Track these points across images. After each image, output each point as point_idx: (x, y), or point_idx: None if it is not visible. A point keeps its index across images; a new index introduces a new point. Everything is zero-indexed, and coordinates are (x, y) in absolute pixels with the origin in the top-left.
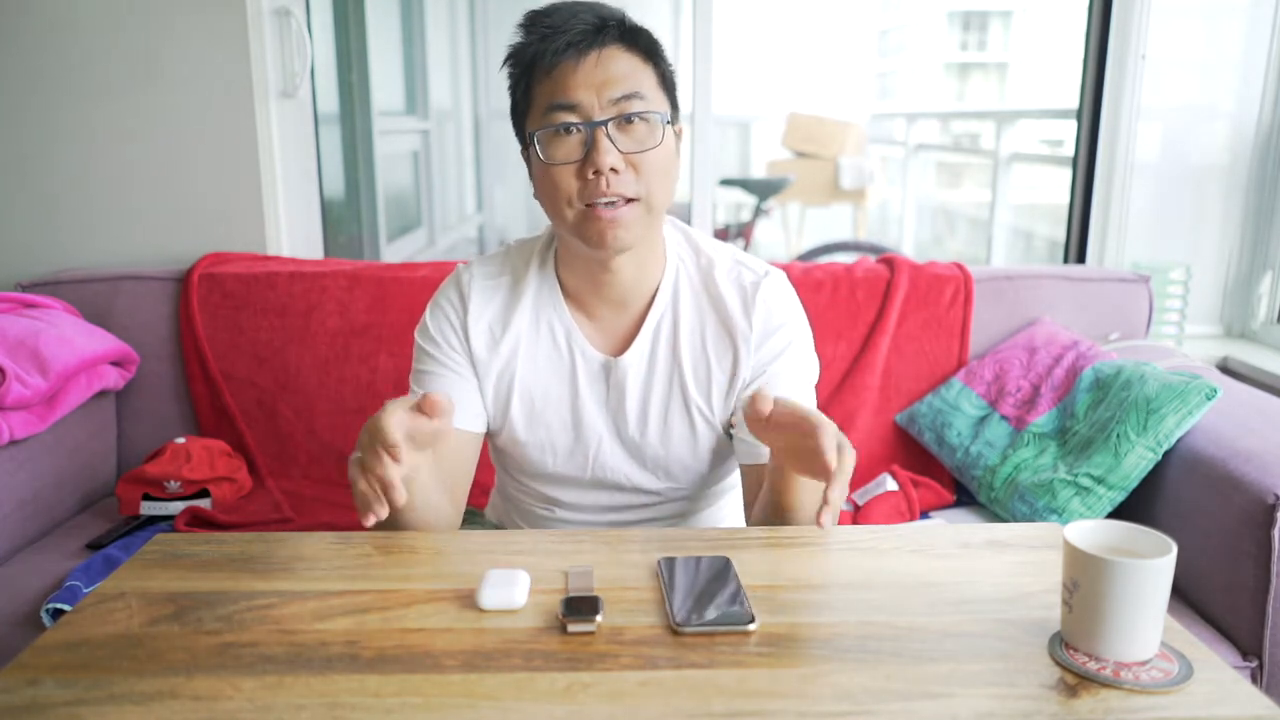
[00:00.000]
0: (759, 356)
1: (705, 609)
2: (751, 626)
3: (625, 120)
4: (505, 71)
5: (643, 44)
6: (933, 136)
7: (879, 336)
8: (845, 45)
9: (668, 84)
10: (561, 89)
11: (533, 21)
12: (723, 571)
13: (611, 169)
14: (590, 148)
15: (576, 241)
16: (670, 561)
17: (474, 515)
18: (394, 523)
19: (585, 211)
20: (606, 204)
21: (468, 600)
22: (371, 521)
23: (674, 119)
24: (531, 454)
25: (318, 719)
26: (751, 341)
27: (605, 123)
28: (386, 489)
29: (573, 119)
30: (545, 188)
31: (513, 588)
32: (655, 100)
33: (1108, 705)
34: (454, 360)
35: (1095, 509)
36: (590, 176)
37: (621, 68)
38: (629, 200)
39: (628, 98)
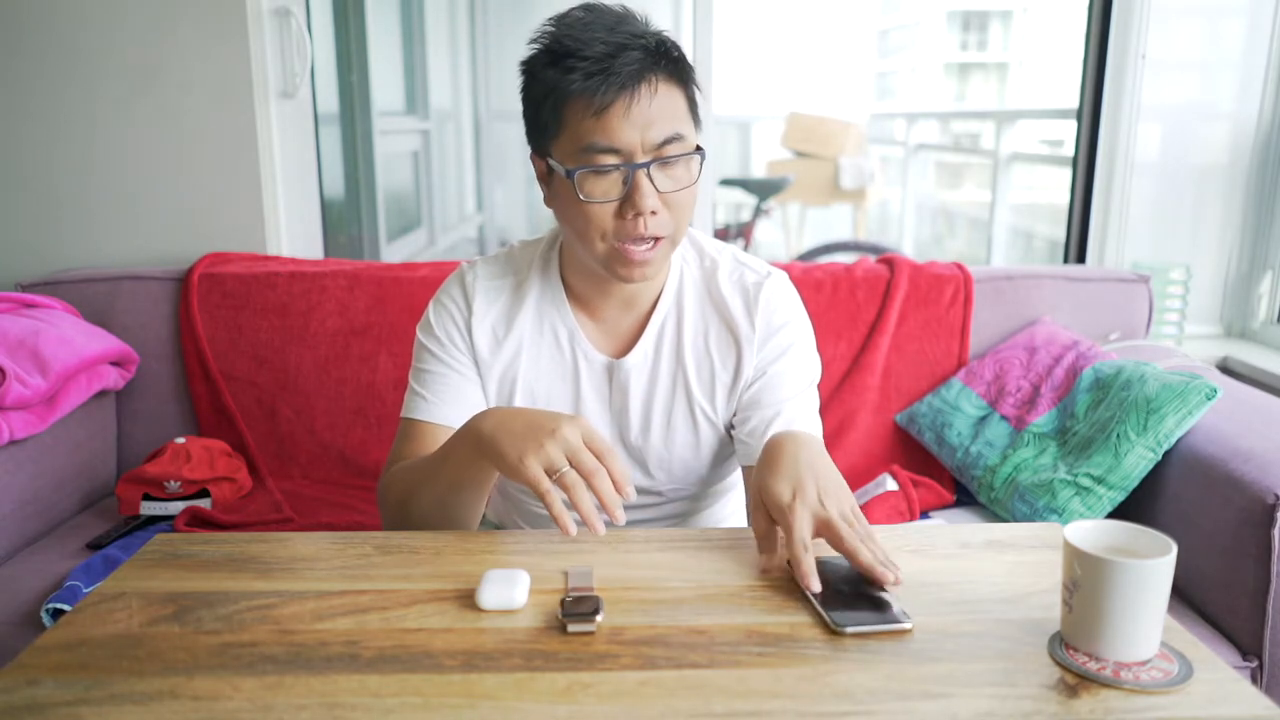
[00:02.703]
0: (761, 357)
1: (859, 610)
2: (908, 625)
3: (665, 161)
4: (518, 78)
5: (682, 68)
6: (933, 136)
7: (879, 336)
8: (845, 45)
9: (695, 106)
10: (605, 132)
11: (567, 50)
12: (854, 572)
13: (651, 211)
14: (630, 189)
15: (598, 267)
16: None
17: None
18: (427, 522)
19: (617, 248)
20: (639, 243)
21: (468, 600)
22: (574, 531)
23: (698, 128)
24: None
25: (318, 719)
26: (754, 342)
27: (648, 165)
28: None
29: (614, 161)
30: (576, 220)
31: (513, 588)
32: (691, 134)
33: (1108, 705)
34: (457, 359)
35: (1095, 509)
36: (629, 217)
37: (665, 106)
38: (658, 239)
39: (669, 141)
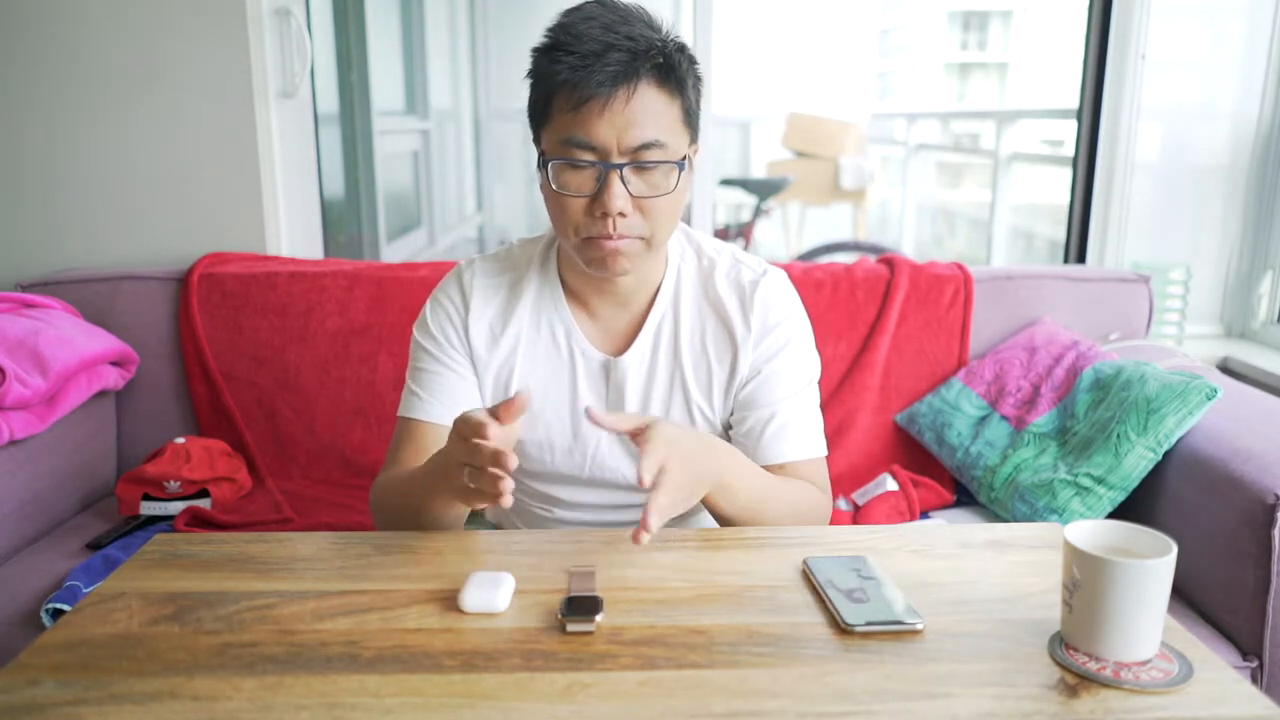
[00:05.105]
0: (756, 355)
1: (871, 609)
2: (919, 625)
3: (640, 166)
4: (526, 61)
5: (675, 78)
6: (933, 136)
7: (879, 336)
8: (845, 45)
9: (691, 116)
10: (582, 127)
11: (561, 43)
12: (867, 570)
13: (619, 213)
14: (602, 187)
15: (576, 259)
16: (819, 562)
17: (473, 515)
18: (418, 522)
19: (589, 240)
20: (608, 238)
21: None
22: (509, 500)
23: (693, 139)
24: (530, 452)
25: (318, 719)
26: (749, 341)
27: (621, 166)
28: (501, 460)
29: (589, 157)
30: (553, 209)
31: (495, 591)
32: (675, 143)
33: (1108, 705)
34: (453, 358)
35: (1095, 509)
36: (598, 215)
37: (647, 110)
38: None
39: (647, 146)
